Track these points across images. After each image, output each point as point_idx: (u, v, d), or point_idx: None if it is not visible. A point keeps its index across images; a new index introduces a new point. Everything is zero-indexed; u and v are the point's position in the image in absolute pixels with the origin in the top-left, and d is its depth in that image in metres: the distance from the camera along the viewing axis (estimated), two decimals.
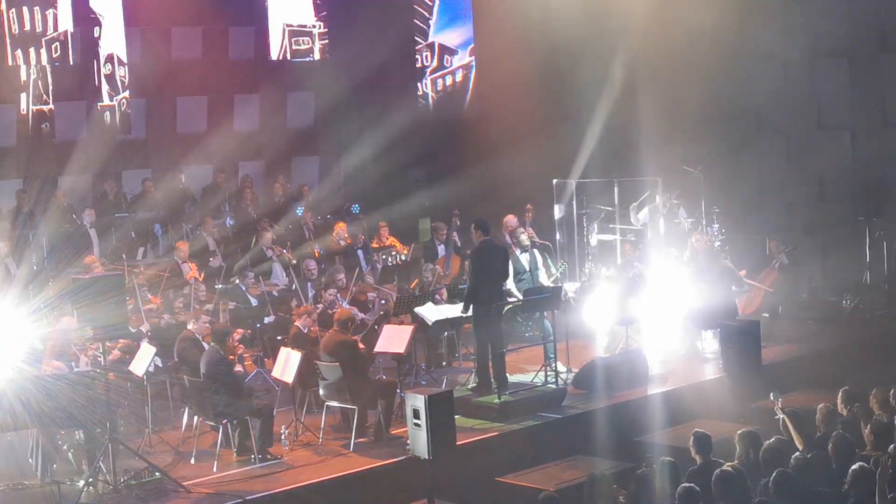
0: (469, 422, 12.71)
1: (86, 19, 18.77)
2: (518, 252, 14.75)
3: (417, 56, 22.40)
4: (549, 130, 20.19)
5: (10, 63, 18.14)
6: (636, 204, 18.55)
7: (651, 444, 11.72)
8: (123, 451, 11.56)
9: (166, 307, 14.65)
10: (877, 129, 18.82)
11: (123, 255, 16.84)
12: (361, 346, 13.20)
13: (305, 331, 13.51)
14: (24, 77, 18.26)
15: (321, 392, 12.87)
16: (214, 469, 11.69)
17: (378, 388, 12.60)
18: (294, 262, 17.39)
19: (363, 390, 12.40)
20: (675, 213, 18.54)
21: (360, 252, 17.81)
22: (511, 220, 17.30)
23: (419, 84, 22.43)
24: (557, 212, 19.03)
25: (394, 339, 13.17)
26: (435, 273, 16.37)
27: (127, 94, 19.50)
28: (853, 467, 8.18)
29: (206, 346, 12.46)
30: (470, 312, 13.41)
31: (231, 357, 12.55)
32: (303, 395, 13.19)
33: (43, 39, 18.24)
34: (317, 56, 21.57)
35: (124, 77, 19.32)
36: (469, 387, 13.56)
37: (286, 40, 21.09)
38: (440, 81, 22.48)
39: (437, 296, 15.26)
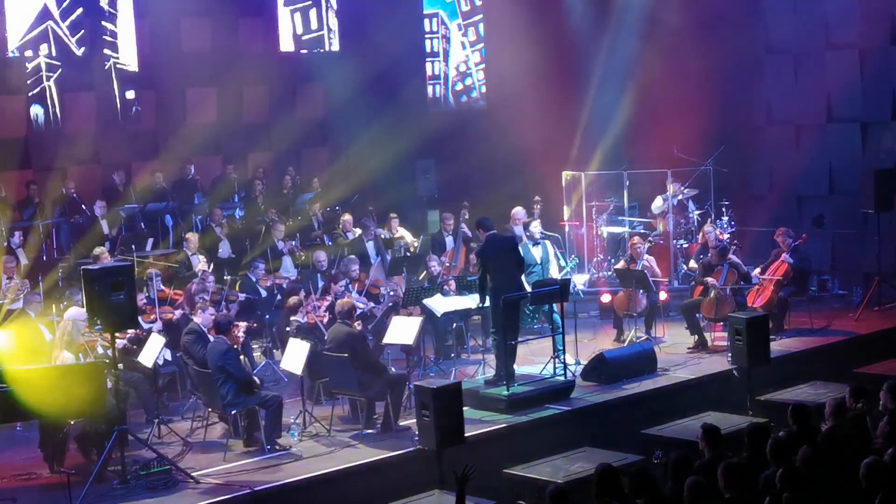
0: (477, 413, 12.71)
1: (96, 10, 18.77)
2: (530, 244, 14.73)
3: (427, 46, 22.37)
4: (559, 121, 20.17)
5: (19, 53, 18.15)
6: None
7: (660, 437, 11.71)
8: (132, 442, 11.60)
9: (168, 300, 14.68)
10: (886, 121, 18.78)
11: (133, 247, 16.86)
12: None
13: (304, 321, 13.50)
14: (32, 67, 18.27)
15: (330, 383, 12.90)
16: (223, 460, 11.72)
17: (387, 380, 12.61)
18: (303, 256, 17.41)
19: (372, 382, 12.42)
20: (684, 206, 18.54)
21: (370, 244, 17.83)
22: (520, 211, 17.33)
23: (428, 76, 22.39)
24: (566, 203, 19.02)
25: (402, 330, 13.19)
26: (442, 264, 16.40)
27: (136, 84, 19.50)
28: (866, 461, 8.16)
29: (211, 338, 12.47)
30: (486, 303, 13.44)
31: (235, 346, 12.55)
32: (311, 386, 13.22)
33: (52, 29, 18.24)
34: (327, 47, 21.55)
35: (134, 67, 19.31)
36: (484, 378, 13.57)
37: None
38: (450, 72, 22.46)
39: (445, 287, 15.27)
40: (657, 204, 18.64)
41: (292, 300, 13.92)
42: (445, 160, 20.86)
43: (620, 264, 16.36)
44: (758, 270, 16.03)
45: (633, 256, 16.00)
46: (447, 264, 16.57)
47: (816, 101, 19.46)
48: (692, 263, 16.74)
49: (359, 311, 13.81)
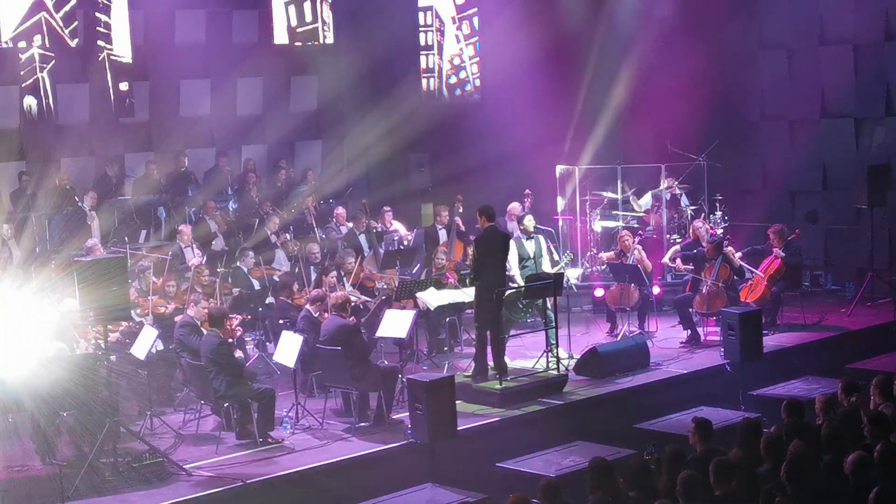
0: (470, 407, 12.73)
1: (89, 1, 18.71)
2: (524, 238, 14.75)
3: (422, 40, 22.32)
4: (553, 115, 20.16)
5: (12, 44, 18.09)
6: (632, 192, 18.64)
7: (652, 431, 11.73)
8: (125, 434, 11.59)
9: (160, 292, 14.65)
10: (880, 117, 18.80)
11: (126, 238, 16.82)
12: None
13: (316, 315, 13.47)
14: (26, 58, 18.20)
15: (322, 376, 12.89)
16: (216, 452, 11.72)
17: (379, 373, 12.61)
18: (296, 250, 17.38)
19: (365, 375, 12.42)
20: (677, 200, 18.55)
21: (362, 237, 17.80)
22: (516, 206, 17.43)
23: (422, 69, 22.35)
24: (560, 198, 19.03)
25: (395, 323, 13.20)
26: (446, 255, 16.44)
27: (130, 76, 19.44)
28: (852, 456, 8.17)
29: (204, 331, 12.46)
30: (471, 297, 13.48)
31: (230, 340, 12.54)
32: (304, 378, 13.21)
33: (45, 20, 18.18)
34: (321, 40, 21.50)
35: (128, 59, 19.25)
36: (466, 374, 13.56)
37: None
38: (445, 65, 22.42)
39: (449, 278, 15.28)
40: (646, 199, 18.65)
41: (316, 293, 13.87)
42: (439, 153, 20.85)
43: (609, 254, 16.41)
44: (741, 255, 16.00)
45: (622, 250, 16.02)
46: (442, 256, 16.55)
47: (810, 97, 19.48)
48: (673, 250, 16.57)
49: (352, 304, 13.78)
